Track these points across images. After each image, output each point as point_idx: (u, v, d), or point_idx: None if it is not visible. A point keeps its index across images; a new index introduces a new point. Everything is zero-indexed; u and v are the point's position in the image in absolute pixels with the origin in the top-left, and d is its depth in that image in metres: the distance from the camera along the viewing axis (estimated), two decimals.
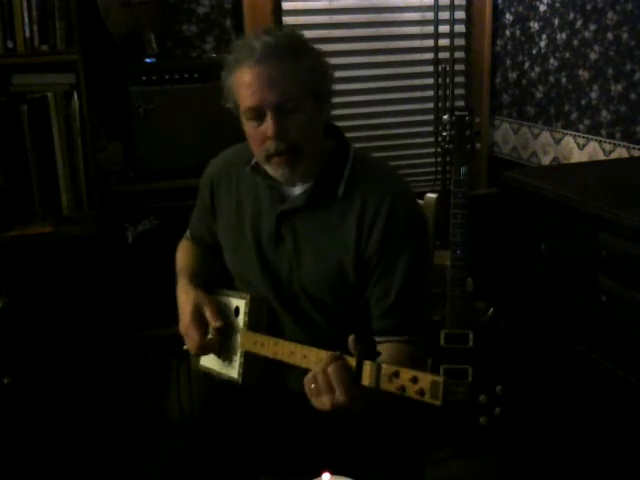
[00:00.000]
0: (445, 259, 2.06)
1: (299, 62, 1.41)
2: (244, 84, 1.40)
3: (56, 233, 2.29)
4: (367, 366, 1.22)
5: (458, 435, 1.97)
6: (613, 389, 1.75)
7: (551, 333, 1.96)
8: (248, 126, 1.45)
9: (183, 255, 1.76)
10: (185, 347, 1.65)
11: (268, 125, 1.39)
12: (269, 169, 1.47)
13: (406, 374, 1.15)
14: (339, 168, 1.50)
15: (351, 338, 1.24)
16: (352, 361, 1.24)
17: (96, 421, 2.35)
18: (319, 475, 1.13)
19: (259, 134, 1.42)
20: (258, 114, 1.41)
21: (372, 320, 1.50)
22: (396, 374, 1.16)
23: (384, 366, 1.19)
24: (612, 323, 1.75)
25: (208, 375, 1.67)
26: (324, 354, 1.30)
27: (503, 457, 2.20)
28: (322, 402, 1.25)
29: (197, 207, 1.74)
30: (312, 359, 1.34)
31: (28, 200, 2.36)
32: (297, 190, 1.51)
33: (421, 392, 1.12)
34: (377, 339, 1.49)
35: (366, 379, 1.21)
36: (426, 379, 1.12)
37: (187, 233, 1.82)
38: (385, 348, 1.46)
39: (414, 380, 1.14)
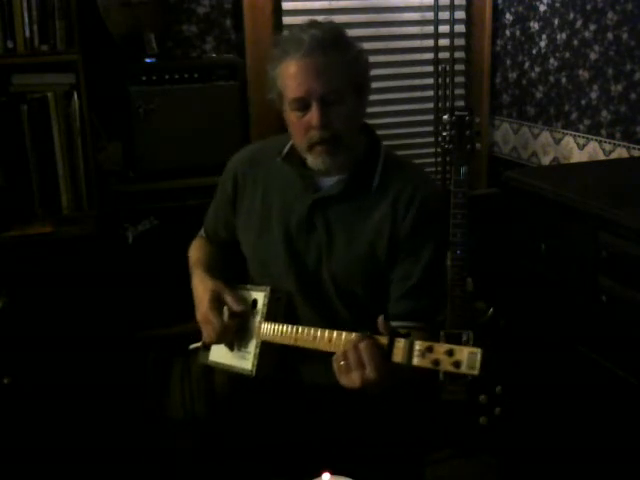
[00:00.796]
0: (445, 259, 2.06)
1: (344, 55, 1.46)
2: (291, 76, 1.45)
3: (56, 233, 2.29)
4: (399, 343, 1.23)
5: (458, 435, 1.97)
6: (613, 389, 1.75)
7: (551, 333, 1.96)
8: (292, 116, 1.49)
9: (197, 250, 1.77)
10: (192, 346, 1.63)
11: (313, 115, 1.44)
12: (310, 157, 1.52)
13: (440, 348, 1.17)
14: (373, 161, 1.56)
15: (380, 318, 1.26)
16: (383, 339, 1.25)
17: (96, 421, 2.35)
18: (319, 475, 1.13)
19: (303, 124, 1.47)
20: (303, 104, 1.45)
21: (389, 304, 1.53)
22: (429, 349, 1.18)
23: (417, 342, 1.21)
24: (612, 323, 1.75)
25: (208, 377, 1.66)
26: (352, 335, 1.31)
27: (503, 457, 2.19)
28: (352, 379, 1.26)
29: (215, 202, 1.76)
30: (338, 342, 1.34)
31: (28, 200, 2.36)
32: (332, 180, 1.55)
33: (457, 364, 1.14)
34: (392, 324, 1.49)
35: (398, 356, 1.23)
36: (463, 351, 1.15)
37: (201, 231, 1.83)
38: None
39: (450, 353, 1.16)
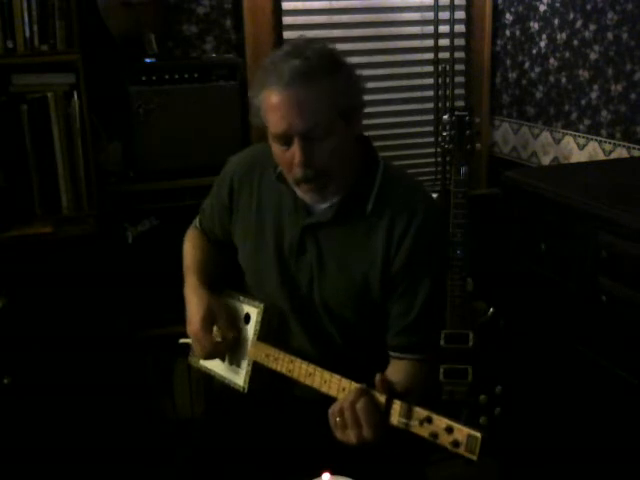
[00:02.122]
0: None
1: (329, 85, 1.35)
2: (272, 107, 1.36)
3: (56, 233, 2.29)
4: (397, 405, 1.20)
5: None
6: (613, 389, 1.75)
7: (551, 333, 1.96)
8: (276, 148, 1.42)
9: (191, 248, 1.73)
10: (181, 340, 1.63)
11: (295, 152, 1.36)
12: (298, 191, 1.45)
13: (440, 422, 1.13)
14: (368, 184, 1.47)
15: (378, 377, 1.23)
16: (381, 397, 1.23)
17: (96, 421, 2.35)
18: (319, 475, 1.13)
19: (287, 159, 1.39)
20: (286, 140, 1.37)
21: (389, 335, 1.49)
22: (429, 419, 1.14)
23: (416, 409, 1.17)
24: (612, 323, 1.74)
25: (209, 376, 1.66)
26: (348, 384, 1.29)
27: (503, 457, 2.19)
28: (347, 436, 1.25)
29: (211, 203, 1.71)
30: (334, 386, 1.32)
31: (28, 200, 2.36)
32: (325, 204, 1.48)
33: (455, 443, 1.11)
34: (391, 354, 1.48)
35: (395, 419, 1.20)
36: (462, 431, 1.11)
37: (196, 222, 1.78)
38: (399, 365, 1.45)
39: (449, 430, 1.12)
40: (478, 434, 1.09)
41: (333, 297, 1.49)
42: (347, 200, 1.46)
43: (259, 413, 1.57)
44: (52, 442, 2.29)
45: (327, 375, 1.34)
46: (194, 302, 1.58)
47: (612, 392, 1.75)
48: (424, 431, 1.15)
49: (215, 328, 1.55)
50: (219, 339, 1.55)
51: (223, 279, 1.66)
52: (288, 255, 1.52)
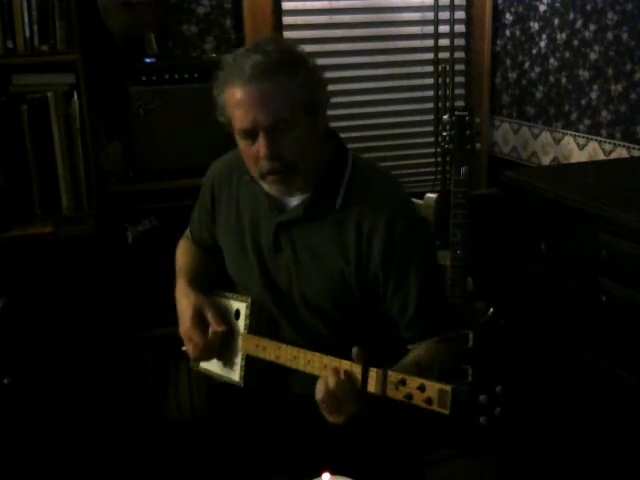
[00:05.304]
0: (445, 259, 2.06)
1: (291, 79, 1.36)
2: (235, 103, 1.38)
3: (56, 233, 2.30)
4: (372, 373, 1.21)
5: (458, 435, 1.97)
6: (613, 389, 1.75)
7: (551, 333, 1.96)
8: (241, 144, 1.43)
9: (182, 254, 1.75)
10: (184, 348, 1.64)
11: (260, 146, 1.37)
12: (264, 186, 1.46)
13: (413, 382, 1.14)
14: (337, 177, 1.48)
15: (355, 350, 1.23)
16: (357, 368, 1.23)
17: (96, 421, 2.35)
18: (319, 475, 1.13)
19: (253, 153, 1.40)
20: (250, 134, 1.38)
21: (400, 329, 1.49)
22: (403, 382, 1.16)
23: (390, 373, 1.18)
24: (612, 323, 1.75)
25: (208, 377, 1.66)
26: (328, 360, 1.30)
27: (503, 457, 2.19)
28: (335, 417, 1.27)
29: (198, 208, 1.74)
30: (316, 364, 1.33)
31: (28, 200, 2.36)
32: (295, 201, 1.49)
33: (429, 400, 1.12)
34: (409, 347, 1.48)
35: (372, 386, 1.21)
36: (434, 387, 1.12)
37: (187, 232, 1.81)
38: (420, 349, 1.45)
39: (421, 388, 1.13)
40: (448, 387, 1.10)
41: (312, 293, 1.49)
42: (317, 196, 1.46)
43: (258, 412, 1.57)
44: (52, 442, 2.28)
45: (309, 355, 1.36)
46: (184, 303, 1.60)
47: (612, 392, 1.75)
48: (399, 394, 1.16)
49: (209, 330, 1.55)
50: (211, 339, 1.55)
51: (214, 282, 1.67)
52: (267, 255, 1.53)
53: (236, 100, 1.37)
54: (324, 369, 1.29)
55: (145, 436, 2.38)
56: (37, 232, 2.28)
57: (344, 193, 1.46)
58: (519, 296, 2.11)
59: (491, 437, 2.00)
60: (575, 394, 1.86)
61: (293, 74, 1.37)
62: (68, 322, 2.32)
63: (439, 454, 2.18)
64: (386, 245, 1.42)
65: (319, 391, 1.28)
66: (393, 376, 1.18)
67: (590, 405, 1.81)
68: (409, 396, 1.14)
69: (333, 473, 1.14)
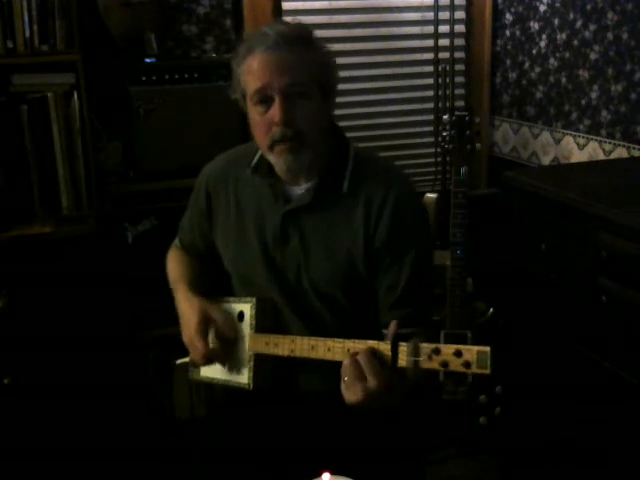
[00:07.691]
0: (445, 259, 2.06)
1: (310, 53, 1.43)
2: (253, 70, 1.41)
3: (56, 233, 2.29)
4: (403, 347, 1.21)
5: (458, 435, 1.97)
6: (613, 389, 1.75)
7: (551, 333, 1.96)
8: (254, 112, 1.45)
9: (176, 264, 1.74)
10: (179, 361, 1.62)
11: (275, 110, 1.39)
12: (272, 158, 1.47)
13: (448, 349, 1.14)
14: (342, 164, 1.51)
15: (393, 323, 1.24)
16: (385, 346, 1.23)
17: (96, 421, 2.35)
18: (319, 475, 1.13)
19: (266, 121, 1.42)
20: (265, 97, 1.41)
21: (380, 314, 1.50)
22: (436, 351, 1.15)
23: (423, 345, 1.18)
24: (612, 323, 1.75)
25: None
26: (351, 344, 1.29)
27: (503, 457, 2.20)
28: (355, 392, 1.23)
29: (189, 213, 1.73)
30: (338, 350, 1.32)
31: (28, 200, 2.36)
32: (301, 189, 1.51)
33: (467, 364, 1.12)
34: (384, 332, 1.48)
35: (403, 360, 1.20)
36: (471, 350, 1.12)
37: (176, 241, 1.80)
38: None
39: (458, 354, 1.13)
40: (487, 348, 1.11)
41: (321, 280, 1.50)
42: (323, 181, 1.49)
43: (262, 411, 1.57)
44: (52, 442, 2.29)
45: (330, 342, 1.34)
46: (187, 310, 1.58)
47: (612, 392, 1.75)
48: (434, 363, 1.15)
49: (210, 336, 1.54)
50: (216, 345, 1.54)
51: (210, 289, 1.66)
52: (273, 247, 1.53)
53: (255, 66, 1.41)
54: (347, 354, 1.28)
55: (145, 436, 2.38)
56: (37, 232, 2.28)
57: (350, 177, 1.49)
58: (519, 296, 2.11)
59: (491, 437, 2.01)
60: (575, 394, 1.86)
61: (314, 50, 1.44)
62: (68, 322, 2.31)
63: (439, 454, 2.18)
64: (393, 221, 1.45)
65: (342, 358, 1.27)
66: (426, 347, 1.17)
67: (590, 405, 1.81)
68: (444, 364, 1.14)
69: (333, 473, 1.14)
